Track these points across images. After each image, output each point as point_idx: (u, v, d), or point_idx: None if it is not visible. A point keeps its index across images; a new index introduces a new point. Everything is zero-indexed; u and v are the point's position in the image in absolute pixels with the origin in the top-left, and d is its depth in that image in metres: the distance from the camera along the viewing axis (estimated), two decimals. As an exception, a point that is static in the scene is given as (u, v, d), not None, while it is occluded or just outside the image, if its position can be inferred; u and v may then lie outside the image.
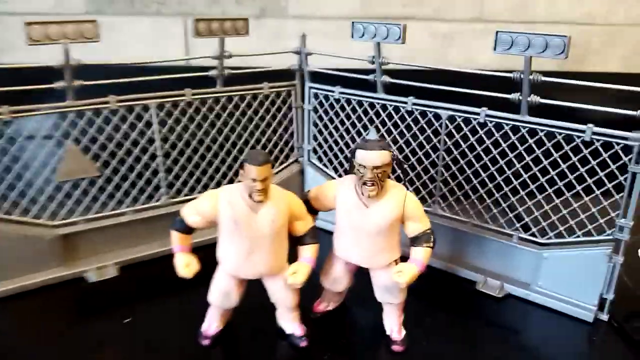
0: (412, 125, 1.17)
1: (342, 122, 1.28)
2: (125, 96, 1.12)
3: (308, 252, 0.93)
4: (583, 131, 0.95)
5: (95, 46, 1.00)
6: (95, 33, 1.01)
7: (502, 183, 1.09)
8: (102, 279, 1.13)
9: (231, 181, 1.28)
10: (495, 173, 1.09)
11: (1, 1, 1.77)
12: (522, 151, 1.04)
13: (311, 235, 0.93)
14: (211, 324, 0.97)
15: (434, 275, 1.17)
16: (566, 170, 1.00)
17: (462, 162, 1.13)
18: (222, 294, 0.93)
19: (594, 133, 0.94)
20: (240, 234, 0.87)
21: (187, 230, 0.90)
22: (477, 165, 1.11)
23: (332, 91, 1.26)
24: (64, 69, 1.01)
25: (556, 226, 1.04)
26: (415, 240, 0.91)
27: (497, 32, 0.96)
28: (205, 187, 1.26)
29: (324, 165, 1.34)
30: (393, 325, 0.97)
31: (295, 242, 0.94)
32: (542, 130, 1.00)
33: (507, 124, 1.04)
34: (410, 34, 1.08)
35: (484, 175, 1.11)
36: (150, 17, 1.83)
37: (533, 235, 1.07)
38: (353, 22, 1.14)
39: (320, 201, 0.96)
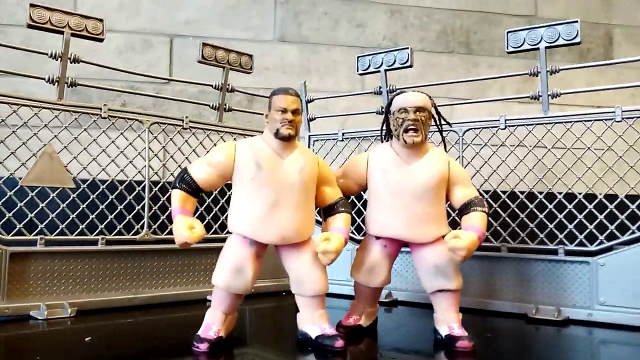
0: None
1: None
2: (120, 107, 1.02)
3: (340, 222, 0.76)
4: (613, 112, 0.93)
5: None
6: (100, 30, 0.97)
7: (536, 192, 0.99)
8: (52, 322, 0.85)
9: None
10: (525, 183, 1.01)
11: None
12: (552, 152, 0.98)
13: (342, 204, 0.78)
14: (211, 326, 0.72)
15: (471, 319, 0.96)
16: (604, 161, 0.94)
17: (484, 178, 1.04)
18: (233, 269, 0.71)
19: (624, 111, 0.92)
20: (263, 182, 0.71)
21: (193, 189, 0.73)
22: (503, 179, 1.03)
23: (335, 134, 1.21)
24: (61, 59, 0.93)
25: (604, 227, 0.93)
26: (466, 208, 0.77)
27: (507, 32, 0.99)
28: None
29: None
30: (451, 320, 0.75)
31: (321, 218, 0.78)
32: (569, 122, 0.96)
33: (530, 125, 1.00)
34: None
35: (512, 187, 1.02)
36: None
37: (581, 244, 0.94)
38: (358, 57, 1.16)
39: (349, 176, 0.83)
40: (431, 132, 0.88)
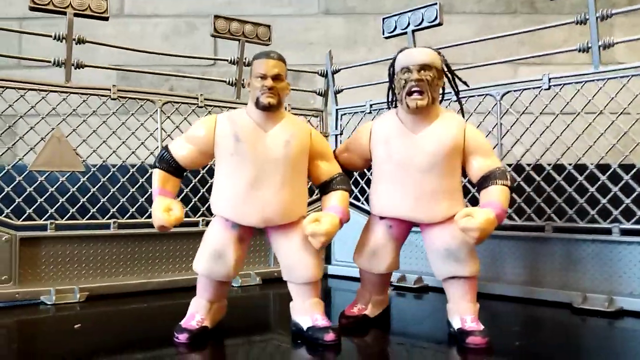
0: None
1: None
2: (130, 87, 0.99)
3: (335, 200, 0.68)
4: (681, 61, 0.76)
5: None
6: (105, 8, 0.94)
7: (587, 163, 0.85)
8: (60, 307, 0.84)
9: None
10: (574, 152, 0.86)
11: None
12: (607, 113, 0.83)
13: (339, 181, 0.69)
14: (194, 315, 0.66)
15: (508, 308, 0.85)
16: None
17: (526, 148, 0.91)
18: (213, 255, 0.65)
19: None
20: (243, 158, 0.64)
21: (174, 169, 0.68)
22: (547, 147, 0.89)
23: (362, 105, 1.11)
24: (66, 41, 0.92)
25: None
26: (485, 181, 0.66)
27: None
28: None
29: (355, 198, 1.11)
30: (464, 311, 0.64)
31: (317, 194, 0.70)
32: (625, 77, 0.80)
33: (579, 82, 0.85)
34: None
35: (558, 157, 0.87)
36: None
37: (640, 221, 0.79)
38: (384, 19, 1.05)
39: (352, 150, 0.74)
40: (448, 99, 0.77)
